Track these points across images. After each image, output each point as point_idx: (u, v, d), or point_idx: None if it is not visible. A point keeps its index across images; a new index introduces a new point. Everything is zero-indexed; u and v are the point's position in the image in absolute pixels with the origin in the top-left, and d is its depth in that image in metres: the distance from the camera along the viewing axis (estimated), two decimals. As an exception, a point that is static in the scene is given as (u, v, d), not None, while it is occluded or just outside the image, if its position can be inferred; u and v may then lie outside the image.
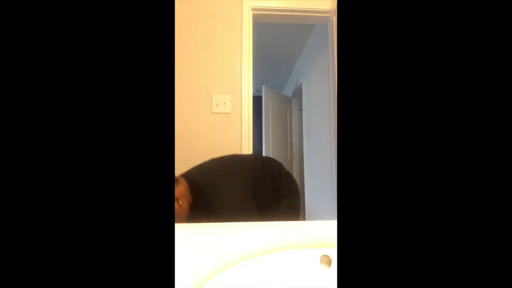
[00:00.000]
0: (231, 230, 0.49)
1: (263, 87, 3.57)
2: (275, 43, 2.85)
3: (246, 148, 1.49)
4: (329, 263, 0.45)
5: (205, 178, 0.85)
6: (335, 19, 1.64)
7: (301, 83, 3.24)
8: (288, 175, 1.02)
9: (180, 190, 0.81)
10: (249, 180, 0.90)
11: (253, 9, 1.60)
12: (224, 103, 1.52)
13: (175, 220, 0.72)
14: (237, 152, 1.47)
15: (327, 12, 1.67)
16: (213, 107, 1.51)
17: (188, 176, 0.86)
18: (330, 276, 0.44)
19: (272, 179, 0.96)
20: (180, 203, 0.80)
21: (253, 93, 1.61)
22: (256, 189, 0.89)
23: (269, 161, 1.00)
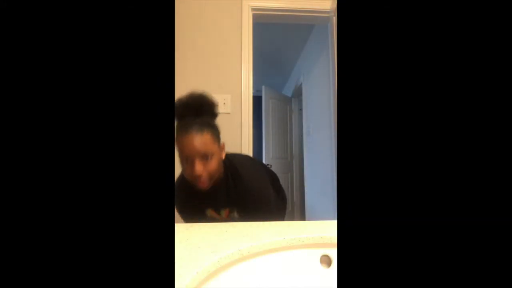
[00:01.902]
0: (231, 230, 0.49)
1: (263, 87, 3.56)
2: (275, 43, 2.86)
3: (246, 148, 1.49)
4: (329, 263, 0.45)
5: (235, 158, 0.88)
6: (335, 19, 1.64)
7: (301, 83, 3.24)
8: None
9: (220, 154, 0.79)
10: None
11: (253, 9, 1.61)
12: (224, 103, 1.52)
13: (208, 173, 0.72)
14: (237, 151, 1.46)
15: (327, 12, 1.67)
16: (213, 107, 1.51)
17: None
18: (330, 276, 0.44)
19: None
20: (219, 162, 0.78)
21: (253, 93, 1.62)
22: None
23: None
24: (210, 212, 0.90)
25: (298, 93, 3.40)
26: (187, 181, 0.81)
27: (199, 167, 0.70)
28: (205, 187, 0.74)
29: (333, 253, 0.45)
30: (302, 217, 3.32)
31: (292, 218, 3.27)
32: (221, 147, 0.79)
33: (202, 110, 0.74)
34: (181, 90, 1.44)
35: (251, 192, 0.80)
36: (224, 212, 0.88)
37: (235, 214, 0.88)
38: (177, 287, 0.30)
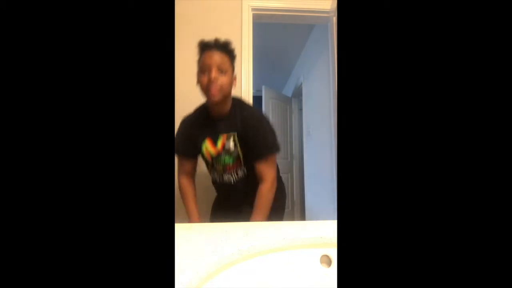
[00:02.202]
0: (231, 230, 0.49)
1: (263, 87, 3.56)
2: (275, 43, 2.86)
3: (246, 148, 1.49)
4: (329, 263, 0.45)
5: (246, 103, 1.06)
6: (335, 19, 1.64)
7: (301, 83, 3.24)
8: None
9: (231, 80, 0.94)
10: None
11: (253, 9, 1.61)
12: (224, 103, 1.52)
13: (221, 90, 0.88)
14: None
15: (327, 12, 1.67)
16: (213, 107, 1.50)
17: None
18: (330, 276, 0.44)
19: None
20: (232, 85, 0.94)
21: (253, 93, 1.61)
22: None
23: None
24: (207, 143, 0.97)
25: (298, 93, 3.39)
26: (199, 111, 1.02)
27: (215, 74, 0.86)
28: (216, 99, 0.88)
29: (333, 253, 0.45)
30: (302, 217, 3.32)
31: (292, 218, 3.27)
32: (234, 77, 0.95)
33: (224, 48, 0.91)
34: (181, 90, 1.44)
35: (251, 130, 0.92)
36: (220, 141, 0.95)
37: (231, 144, 0.93)
38: (177, 287, 0.30)
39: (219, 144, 0.95)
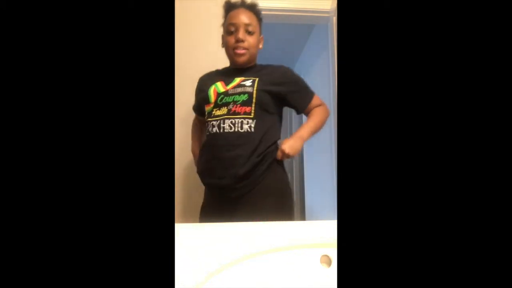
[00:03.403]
0: (231, 230, 0.49)
1: (263, 87, 3.49)
2: (275, 43, 2.84)
3: (246, 148, 1.48)
4: (329, 263, 0.45)
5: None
6: (335, 19, 1.64)
7: (301, 83, 3.18)
8: None
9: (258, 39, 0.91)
10: None
11: (253, 9, 1.60)
12: (225, 104, 1.52)
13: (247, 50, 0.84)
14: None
15: (327, 12, 1.66)
16: (213, 107, 1.50)
17: None
18: (330, 276, 0.44)
19: None
20: (260, 46, 0.92)
21: (253, 93, 1.61)
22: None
23: None
24: (217, 83, 0.88)
25: (298, 93, 3.39)
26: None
27: (242, 35, 0.83)
28: (242, 59, 0.85)
29: (333, 253, 0.45)
30: (302, 217, 3.31)
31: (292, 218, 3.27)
32: (260, 38, 0.92)
33: (251, 8, 0.89)
34: (181, 90, 1.43)
35: (284, 77, 0.89)
36: (235, 82, 0.85)
37: (247, 83, 0.84)
38: (177, 287, 0.30)
39: (233, 84, 0.84)
